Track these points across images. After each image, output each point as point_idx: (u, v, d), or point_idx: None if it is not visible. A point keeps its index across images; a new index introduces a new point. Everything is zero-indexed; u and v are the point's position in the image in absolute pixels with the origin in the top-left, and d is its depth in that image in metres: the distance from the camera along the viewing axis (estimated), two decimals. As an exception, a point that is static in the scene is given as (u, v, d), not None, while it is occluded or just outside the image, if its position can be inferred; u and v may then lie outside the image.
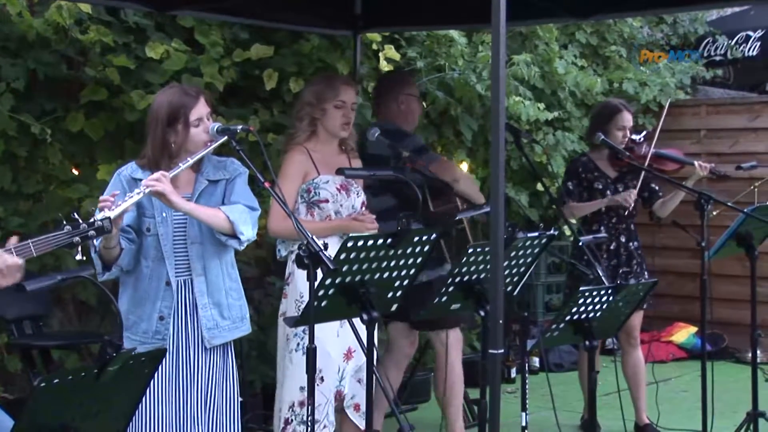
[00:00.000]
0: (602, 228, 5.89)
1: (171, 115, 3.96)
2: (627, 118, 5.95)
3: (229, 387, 4.13)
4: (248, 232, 3.96)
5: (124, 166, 4.08)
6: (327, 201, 4.62)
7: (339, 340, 4.52)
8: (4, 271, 3.18)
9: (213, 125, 3.98)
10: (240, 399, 4.23)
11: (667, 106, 6.64)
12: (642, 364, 6.08)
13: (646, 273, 6.03)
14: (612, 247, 5.93)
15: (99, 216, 3.47)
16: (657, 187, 6.08)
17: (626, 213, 5.92)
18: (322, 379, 4.49)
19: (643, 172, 5.87)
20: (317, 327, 4.26)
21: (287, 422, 4.53)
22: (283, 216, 3.91)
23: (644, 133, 6.20)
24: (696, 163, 5.89)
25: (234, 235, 3.93)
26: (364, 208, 4.76)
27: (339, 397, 4.60)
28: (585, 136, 6.54)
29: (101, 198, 3.66)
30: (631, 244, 5.98)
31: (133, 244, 3.97)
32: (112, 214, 3.54)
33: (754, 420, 5.37)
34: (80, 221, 3.30)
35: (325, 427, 4.50)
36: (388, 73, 6.57)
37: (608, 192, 5.93)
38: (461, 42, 7.33)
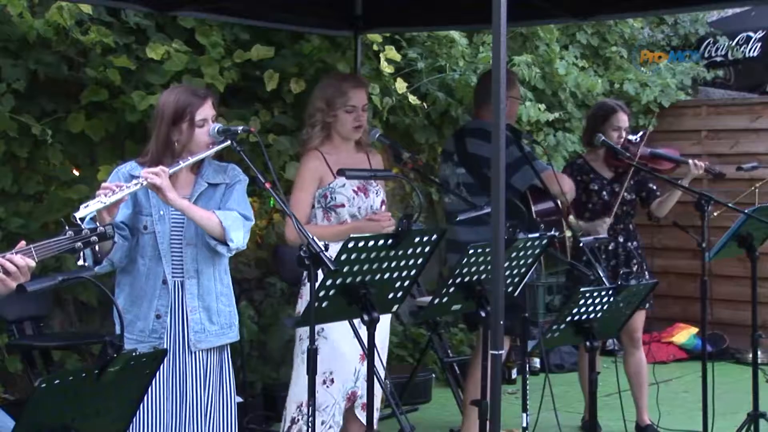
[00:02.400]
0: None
1: (176, 114, 3.96)
2: (622, 119, 5.95)
3: (226, 389, 4.12)
4: (238, 240, 3.94)
5: (123, 164, 4.08)
6: (343, 205, 4.60)
7: (355, 342, 4.50)
8: (23, 272, 3.18)
9: (213, 126, 3.98)
10: (239, 400, 4.23)
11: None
12: (644, 365, 6.08)
13: (647, 273, 6.02)
14: (611, 248, 5.93)
15: (93, 203, 3.53)
16: (655, 187, 6.08)
17: (623, 213, 5.92)
18: (332, 380, 4.49)
19: (631, 170, 5.86)
20: (331, 328, 4.29)
21: (293, 421, 4.53)
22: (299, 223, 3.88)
23: (640, 133, 6.20)
24: (690, 161, 5.90)
25: (224, 242, 3.92)
26: (383, 207, 4.74)
27: (353, 398, 4.58)
28: (581, 137, 6.56)
29: (103, 185, 3.67)
30: (629, 244, 5.97)
31: (127, 241, 3.95)
32: (108, 200, 3.57)
33: (755, 421, 5.36)
34: (83, 226, 3.30)
35: (330, 427, 4.49)
36: (484, 78, 6.57)
37: (604, 193, 5.93)
38: (462, 43, 7.34)
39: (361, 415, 4.61)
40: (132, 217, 4.00)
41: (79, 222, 3.33)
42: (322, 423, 4.46)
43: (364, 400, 4.55)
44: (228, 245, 3.92)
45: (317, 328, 4.33)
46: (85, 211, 3.54)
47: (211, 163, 4.11)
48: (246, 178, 4.09)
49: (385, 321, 4.55)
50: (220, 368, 4.10)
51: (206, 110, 3.99)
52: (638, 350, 6.08)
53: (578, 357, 6.42)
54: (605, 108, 6.05)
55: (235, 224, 3.94)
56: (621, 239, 5.95)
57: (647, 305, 5.95)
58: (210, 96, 4.07)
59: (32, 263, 3.19)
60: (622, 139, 5.94)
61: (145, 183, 3.75)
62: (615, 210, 5.82)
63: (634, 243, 6.01)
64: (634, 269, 5.95)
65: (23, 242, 3.23)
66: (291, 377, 4.66)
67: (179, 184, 4.01)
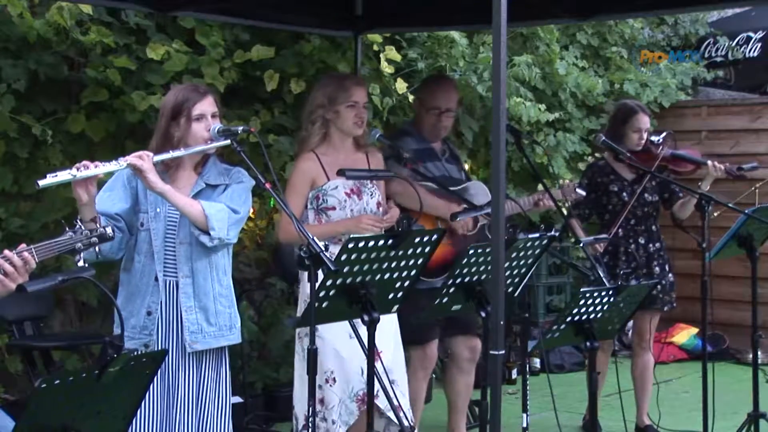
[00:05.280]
0: (620, 230, 5.87)
1: (175, 109, 3.99)
2: (643, 120, 5.91)
3: (221, 390, 4.11)
4: (221, 231, 3.89)
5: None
6: (334, 208, 4.60)
7: (354, 342, 4.50)
8: (21, 273, 3.17)
9: (214, 126, 3.98)
10: (240, 401, 4.22)
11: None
12: (650, 367, 6.06)
13: (670, 275, 6.00)
14: (630, 250, 5.90)
15: (62, 173, 3.51)
16: (677, 189, 6.02)
17: (644, 214, 5.88)
18: (334, 380, 4.49)
19: (660, 174, 5.82)
20: (326, 328, 4.29)
21: (307, 419, 4.53)
22: (290, 223, 3.89)
23: (663, 134, 6.13)
24: (710, 162, 5.85)
25: (206, 231, 3.89)
26: (380, 209, 4.74)
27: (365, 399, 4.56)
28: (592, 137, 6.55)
29: (83, 162, 3.64)
30: (651, 245, 5.94)
31: (121, 233, 3.94)
32: (78, 174, 3.55)
33: (755, 421, 5.36)
34: (82, 227, 3.30)
35: (339, 426, 4.49)
36: (429, 76, 6.57)
37: (625, 194, 5.89)
38: (462, 43, 7.33)
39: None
40: (130, 213, 4.00)
41: (78, 223, 3.31)
42: (333, 422, 4.47)
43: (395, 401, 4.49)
44: (210, 234, 3.88)
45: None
46: (51, 180, 3.51)
47: (217, 165, 4.11)
48: (250, 180, 4.07)
49: (390, 320, 4.54)
50: (216, 369, 4.09)
51: (204, 106, 4.00)
52: (646, 352, 6.06)
53: (586, 358, 6.41)
54: (625, 109, 6.00)
55: (219, 215, 3.91)
56: (642, 241, 5.92)
57: (666, 307, 5.94)
58: (210, 93, 4.08)
59: (33, 264, 3.18)
60: (644, 141, 5.91)
61: (125, 165, 3.74)
62: (621, 218, 5.79)
63: (657, 244, 5.97)
64: (656, 271, 5.92)
65: (23, 245, 3.22)
66: (293, 376, 4.66)
67: (180, 183, 4.02)
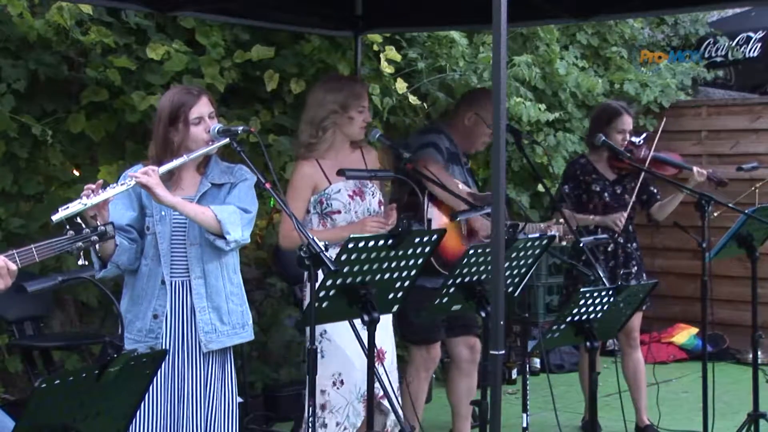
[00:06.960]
0: (599, 230, 5.89)
1: (172, 114, 3.97)
2: (627, 121, 5.93)
3: (228, 390, 4.11)
4: (236, 234, 3.91)
5: (131, 168, 4.07)
6: (339, 212, 4.58)
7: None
8: (2, 274, 3.16)
9: (214, 126, 3.97)
10: (240, 401, 4.22)
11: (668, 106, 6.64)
12: (642, 365, 6.08)
13: (644, 274, 6.04)
14: (610, 249, 5.93)
15: (72, 204, 3.47)
16: (656, 190, 6.07)
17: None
18: (342, 382, 4.47)
19: (642, 175, 5.86)
20: (334, 329, 4.30)
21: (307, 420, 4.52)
22: (292, 228, 3.87)
23: (644, 135, 6.17)
24: (694, 168, 5.88)
25: (222, 236, 3.91)
26: (382, 208, 4.73)
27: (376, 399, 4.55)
28: (583, 137, 6.56)
29: (86, 186, 3.64)
30: (629, 245, 5.97)
31: (135, 243, 3.96)
32: (89, 201, 3.53)
33: (755, 421, 5.36)
34: (83, 226, 3.30)
35: (345, 429, 4.47)
36: (476, 89, 6.54)
37: (606, 194, 5.93)
38: (462, 43, 7.34)
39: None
40: (140, 220, 4.00)
41: (79, 221, 3.31)
42: (337, 424, 4.45)
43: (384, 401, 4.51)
44: (225, 239, 3.90)
45: (321, 329, 4.33)
46: (64, 213, 3.48)
47: (219, 164, 4.11)
48: (253, 177, 4.06)
49: (386, 321, 4.55)
50: (222, 369, 4.10)
51: (201, 108, 3.99)
52: (636, 350, 6.07)
53: (579, 357, 6.42)
54: (610, 110, 6.02)
55: (232, 218, 3.91)
56: (621, 240, 5.95)
57: (646, 305, 5.96)
58: (204, 93, 4.06)
59: (13, 266, 3.17)
60: (626, 142, 5.93)
61: (132, 183, 3.74)
62: (629, 207, 5.84)
63: (634, 244, 6.02)
64: (633, 270, 5.95)
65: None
66: (295, 377, 4.63)
67: (184, 185, 4.02)
